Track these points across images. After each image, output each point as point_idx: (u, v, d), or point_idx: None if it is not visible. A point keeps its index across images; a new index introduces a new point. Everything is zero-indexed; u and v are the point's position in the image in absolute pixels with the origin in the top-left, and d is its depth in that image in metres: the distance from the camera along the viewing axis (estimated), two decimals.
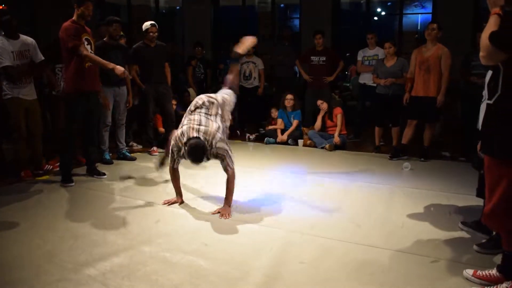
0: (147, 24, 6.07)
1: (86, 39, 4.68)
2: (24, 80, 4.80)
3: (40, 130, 5.01)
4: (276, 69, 8.60)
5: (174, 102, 6.79)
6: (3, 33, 4.75)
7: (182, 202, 4.13)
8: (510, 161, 2.35)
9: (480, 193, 3.29)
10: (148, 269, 2.82)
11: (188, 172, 5.34)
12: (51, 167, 5.21)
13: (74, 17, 4.64)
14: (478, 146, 2.81)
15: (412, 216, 3.83)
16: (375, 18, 13.43)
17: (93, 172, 5.09)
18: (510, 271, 2.55)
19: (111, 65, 4.54)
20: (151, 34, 6.04)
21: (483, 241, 3.21)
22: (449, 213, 3.86)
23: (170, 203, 4.10)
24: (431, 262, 2.94)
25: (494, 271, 2.64)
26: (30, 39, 4.84)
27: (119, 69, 4.50)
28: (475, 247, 3.15)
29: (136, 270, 2.81)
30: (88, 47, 4.70)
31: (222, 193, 3.95)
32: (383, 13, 13.93)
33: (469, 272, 2.72)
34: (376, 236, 3.37)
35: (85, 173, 5.12)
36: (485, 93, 3.25)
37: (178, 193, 4.16)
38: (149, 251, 3.10)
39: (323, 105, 6.93)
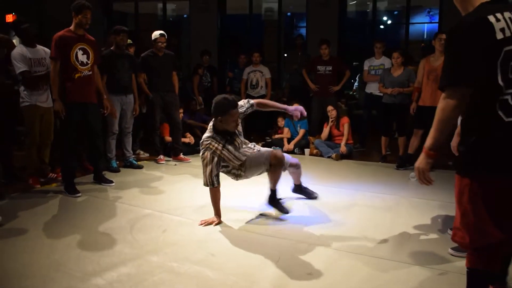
0: (156, 34, 6.13)
1: (82, 49, 4.65)
2: (41, 87, 4.82)
3: (50, 139, 5.03)
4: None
5: (181, 110, 6.82)
6: (19, 41, 4.79)
7: (219, 222, 3.83)
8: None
9: None
10: (156, 279, 2.83)
11: (196, 181, 5.36)
12: (55, 175, 5.21)
13: (72, 26, 4.64)
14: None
15: (419, 227, 3.82)
16: (381, 26, 13.48)
17: (101, 180, 5.11)
18: None
19: (57, 96, 4.52)
20: (159, 44, 6.10)
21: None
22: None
23: (207, 223, 3.79)
24: (439, 274, 2.92)
25: None
26: (46, 49, 4.86)
27: (56, 106, 4.53)
28: (450, 250, 3.21)
29: (143, 280, 2.81)
30: (84, 57, 4.66)
31: (230, 203, 3.97)
32: (389, 21, 13.97)
33: None
34: (383, 248, 3.36)
35: (92, 180, 5.15)
36: None
37: (217, 213, 3.88)
38: (156, 260, 3.10)
39: (332, 112, 6.93)
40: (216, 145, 3.73)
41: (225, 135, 3.80)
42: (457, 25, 2.06)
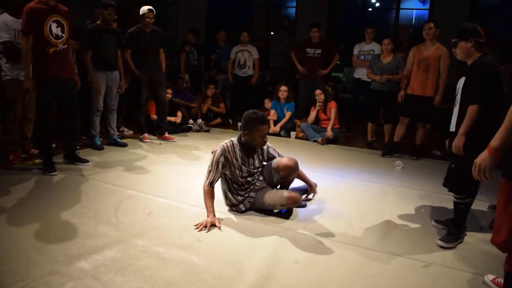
0: (144, 9, 5.97)
1: (56, 21, 4.35)
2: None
3: (33, 114, 4.82)
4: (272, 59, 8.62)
5: (169, 91, 6.71)
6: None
7: (214, 222, 3.44)
8: None
9: (446, 183, 3.40)
10: (141, 264, 2.79)
11: (181, 162, 5.31)
12: (37, 151, 5.08)
13: None
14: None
15: (404, 217, 3.85)
16: (369, 9, 13.40)
17: (75, 159, 4.93)
18: None
19: (28, 74, 4.29)
20: (147, 19, 5.95)
21: (444, 236, 3.34)
22: (440, 215, 3.88)
23: (203, 226, 3.38)
24: (423, 266, 2.96)
25: None
26: None
27: (26, 83, 4.31)
28: (439, 242, 3.27)
29: (129, 265, 2.77)
30: (58, 29, 4.38)
31: (216, 191, 3.90)
32: (377, 4, 13.88)
33: (489, 277, 2.73)
34: (369, 238, 3.38)
35: (63, 160, 4.96)
36: (457, 98, 3.32)
37: (212, 211, 3.52)
38: (142, 245, 3.06)
39: (320, 96, 6.90)
40: (230, 148, 3.64)
41: (246, 149, 3.71)
42: None
